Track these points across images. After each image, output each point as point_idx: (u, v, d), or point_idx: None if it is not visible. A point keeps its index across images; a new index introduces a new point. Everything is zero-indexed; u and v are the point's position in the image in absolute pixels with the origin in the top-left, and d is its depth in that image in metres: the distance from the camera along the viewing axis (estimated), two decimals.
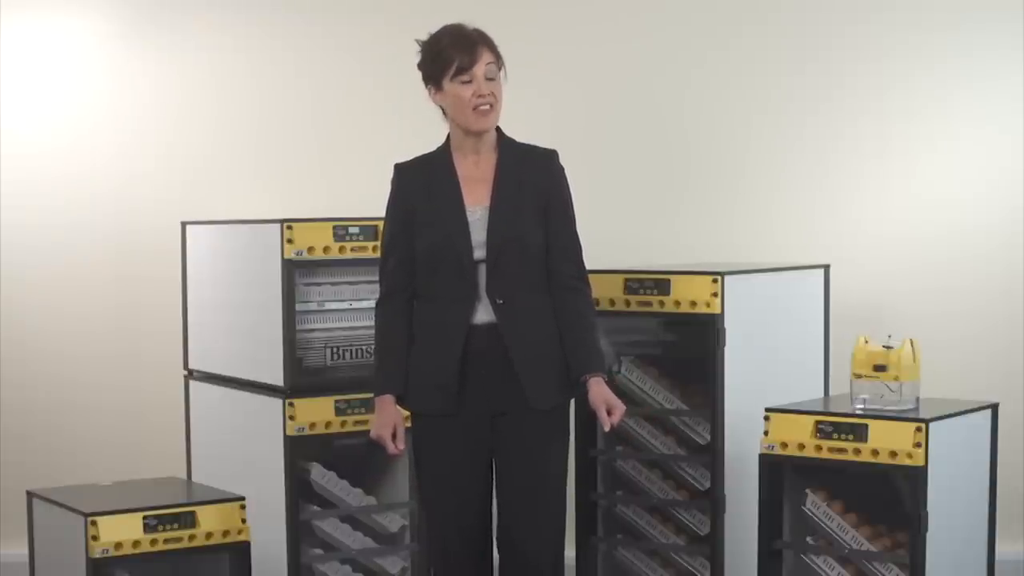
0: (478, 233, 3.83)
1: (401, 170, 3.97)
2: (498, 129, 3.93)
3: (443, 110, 3.92)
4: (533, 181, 3.88)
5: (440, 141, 4.17)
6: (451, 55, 3.81)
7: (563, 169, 3.96)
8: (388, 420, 3.88)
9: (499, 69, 3.85)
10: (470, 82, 3.80)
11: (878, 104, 5.45)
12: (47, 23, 5.69)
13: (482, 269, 3.82)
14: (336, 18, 5.65)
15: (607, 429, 3.86)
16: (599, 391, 3.83)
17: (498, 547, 3.92)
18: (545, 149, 3.96)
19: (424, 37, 3.91)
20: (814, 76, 5.48)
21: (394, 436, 3.87)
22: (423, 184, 3.90)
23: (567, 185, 3.96)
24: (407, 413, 3.95)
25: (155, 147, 5.70)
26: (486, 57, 3.82)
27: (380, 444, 3.90)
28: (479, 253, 3.82)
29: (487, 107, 3.82)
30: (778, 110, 5.50)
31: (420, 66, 3.89)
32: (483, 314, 3.82)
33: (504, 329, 3.80)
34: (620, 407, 3.84)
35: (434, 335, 3.86)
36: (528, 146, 3.96)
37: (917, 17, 5.42)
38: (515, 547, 3.87)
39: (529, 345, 3.82)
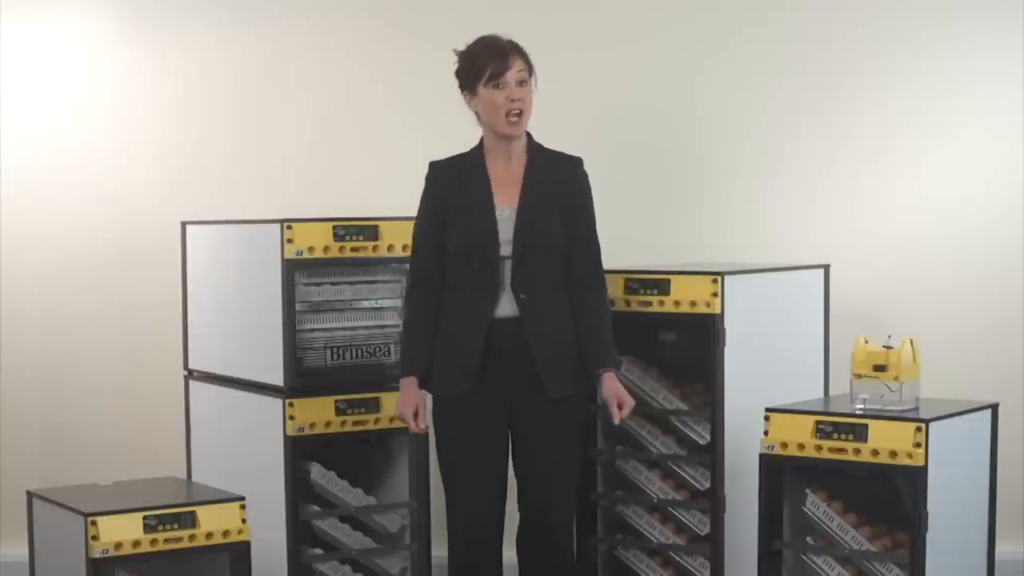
0: (505, 232, 4.09)
1: (435, 168, 4.22)
2: (528, 135, 4.19)
3: (478, 115, 4.16)
4: (559, 185, 4.16)
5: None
6: (485, 63, 4.07)
7: (587, 175, 4.25)
8: (411, 400, 4.15)
9: (530, 76, 4.11)
10: (502, 88, 4.05)
11: (878, 104, 5.44)
12: (47, 23, 5.69)
13: (507, 265, 4.08)
14: (336, 19, 5.64)
15: (616, 422, 4.12)
16: (611, 386, 4.12)
17: (519, 511, 4.19)
18: (571, 156, 4.22)
19: (448, 45, 4.16)
20: (814, 76, 5.48)
21: (416, 415, 4.14)
22: (456, 183, 4.16)
23: (590, 190, 4.25)
24: (417, 395, 4.17)
25: (155, 147, 5.70)
26: (518, 65, 4.10)
27: (403, 422, 4.18)
28: (505, 250, 4.08)
29: (518, 112, 4.08)
30: (777, 110, 5.49)
31: (457, 74, 4.16)
32: (506, 307, 4.09)
33: (526, 323, 4.07)
34: (630, 402, 4.12)
35: (460, 324, 4.13)
36: (556, 152, 4.23)
37: (917, 17, 5.41)
38: (532, 508, 4.14)
39: (548, 339, 4.09)
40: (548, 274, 4.11)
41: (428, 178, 4.20)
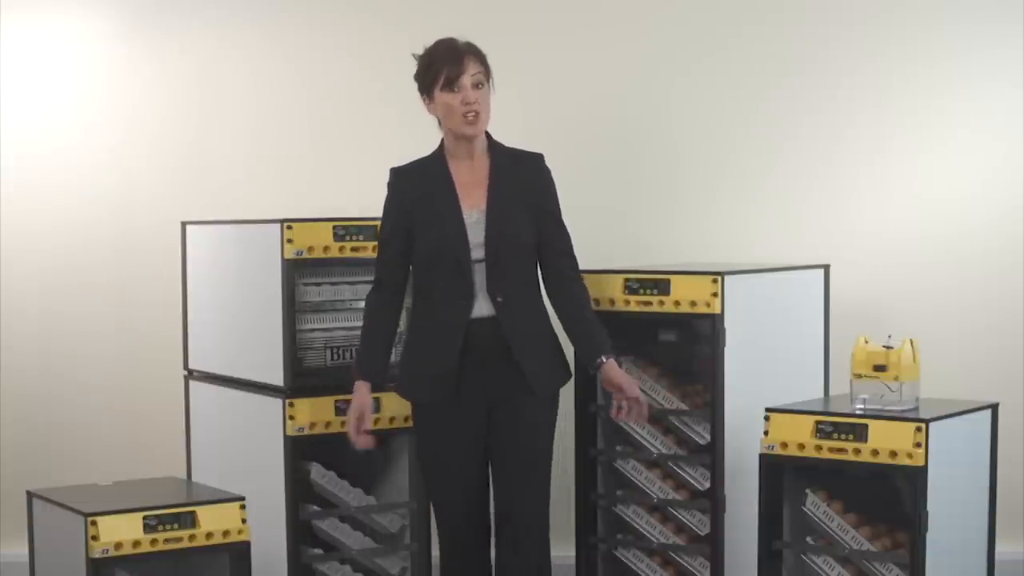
0: (475, 235, 4.07)
1: (398, 174, 4.21)
2: (488, 135, 4.17)
3: (438, 119, 4.15)
4: (525, 184, 4.15)
5: (437, 140, 4.20)
6: (440, 67, 4.07)
7: (550, 171, 4.22)
8: (356, 405, 4.15)
9: (486, 79, 4.10)
10: (458, 92, 4.05)
11: (877, 104, 5.44)
12: (47, 23, 5.69)
13: (479, 268, 4.06)
14: (335, 19, 5.65)
15: (615, 417, 4.14)
16: (614, 374, 4.11)
17: (495, 512, 4.17)
18: (532, 153, 4.22)
19: (419, 49, 4.14)
20: (812, 76, 5.48)
21: (361, 420, 4.12)
22: (420, 188, 4.14)
23: (554, 185, 4.22)
24: (366, 398, 4.15)
25: (155, 147, 5.70)
26: (472, 68, 4.08)
27: (346, 427, 4.19)
28: (477, 253, 4.06)
29: (473, 115, 4.06)
30: (777, 110, 5.50)
31: (415, 78, 4.14)
32: (480, 310, 4.07)
33: (504, 324, 4.06)
34: (637, 394, 4.11)
35: (433, 330, 4.12)
36: (516, 150, 4.21)
37: (916, 16, 5.42)
38: (509, 507, 4.12)
39: (528, 338, 4.09)
40: (520, 274, 4.12)
41: (390, 184, 4.19)
